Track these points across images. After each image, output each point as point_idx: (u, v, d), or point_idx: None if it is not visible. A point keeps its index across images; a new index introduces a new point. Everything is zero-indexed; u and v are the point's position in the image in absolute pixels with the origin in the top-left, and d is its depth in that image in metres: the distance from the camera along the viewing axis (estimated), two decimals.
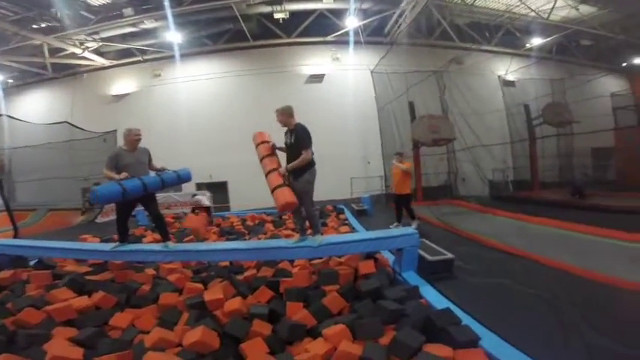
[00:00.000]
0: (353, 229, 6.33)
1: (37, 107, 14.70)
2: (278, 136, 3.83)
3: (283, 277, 3.56)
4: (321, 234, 3.79)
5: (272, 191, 3.41)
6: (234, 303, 2.82)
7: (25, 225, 8.00)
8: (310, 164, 3.52)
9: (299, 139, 3.46)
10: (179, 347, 2.32)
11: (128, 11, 11.17)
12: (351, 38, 13.24)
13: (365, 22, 12.68)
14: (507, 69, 13.24)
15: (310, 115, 12.09)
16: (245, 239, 5.82)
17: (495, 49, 13.79)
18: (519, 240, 4.81)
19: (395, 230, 4.17)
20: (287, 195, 3.34)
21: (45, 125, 11.48)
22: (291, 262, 3.98)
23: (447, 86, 11.04)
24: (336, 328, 2.35)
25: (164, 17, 11.23)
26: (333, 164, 12.77)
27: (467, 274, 3.74)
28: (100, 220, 9.63)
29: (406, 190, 6.28)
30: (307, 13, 12.61)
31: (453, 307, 2.60)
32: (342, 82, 13.66)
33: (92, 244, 5.20)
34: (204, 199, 9.59)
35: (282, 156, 3.72)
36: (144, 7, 11.11)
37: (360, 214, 8.43)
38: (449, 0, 11.17)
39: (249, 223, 7.52)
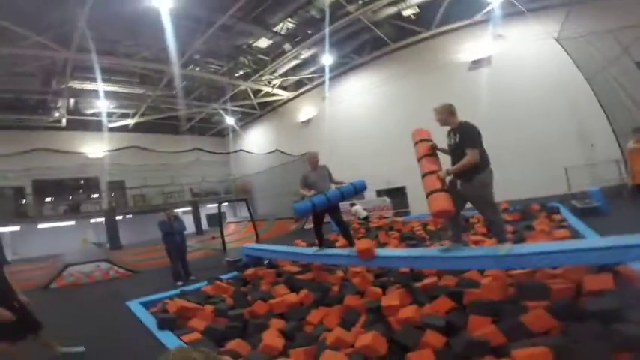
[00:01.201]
0: (576, 234, 4.79)
1: (255, 140, 20.62)
2: (442, 135, 3.40)
3: (468, 287, 3.11)
4: (508, 241, 3.11)
5: (427, 195, 3.09)
6: (409, 310, 2.72)
7: (261, 231, 10.92)
8: (482, 165, 2.97)
9: (463, 138, 3.00)
10: (352, 347, 2.43)
11: (287, 47, 13.32)
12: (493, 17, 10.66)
13: None
14: None
15: (485, 105, 10.77)
16: (426, 245, 5.54)
17: None
18: None
19: None
20: (442, 202, 2.96)
21: (263, 155, 17.13)
22: (481, 271, 3.42)
23: None
24: (534, 349, 1.87)
25: (314, 44, 12.67)
26: (532, 155, 10.39)
27: None
28: (307, 227, 11.84)
29: None
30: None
31: None
32: (516, 60, 10.91)
33: (301, 248, 6.32)
34: (360, 209, 10.12)
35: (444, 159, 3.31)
36: (295, 40, 12.99)
37: (586, 214, 6.22)
38: None
39: (431, 227, 7.12)
